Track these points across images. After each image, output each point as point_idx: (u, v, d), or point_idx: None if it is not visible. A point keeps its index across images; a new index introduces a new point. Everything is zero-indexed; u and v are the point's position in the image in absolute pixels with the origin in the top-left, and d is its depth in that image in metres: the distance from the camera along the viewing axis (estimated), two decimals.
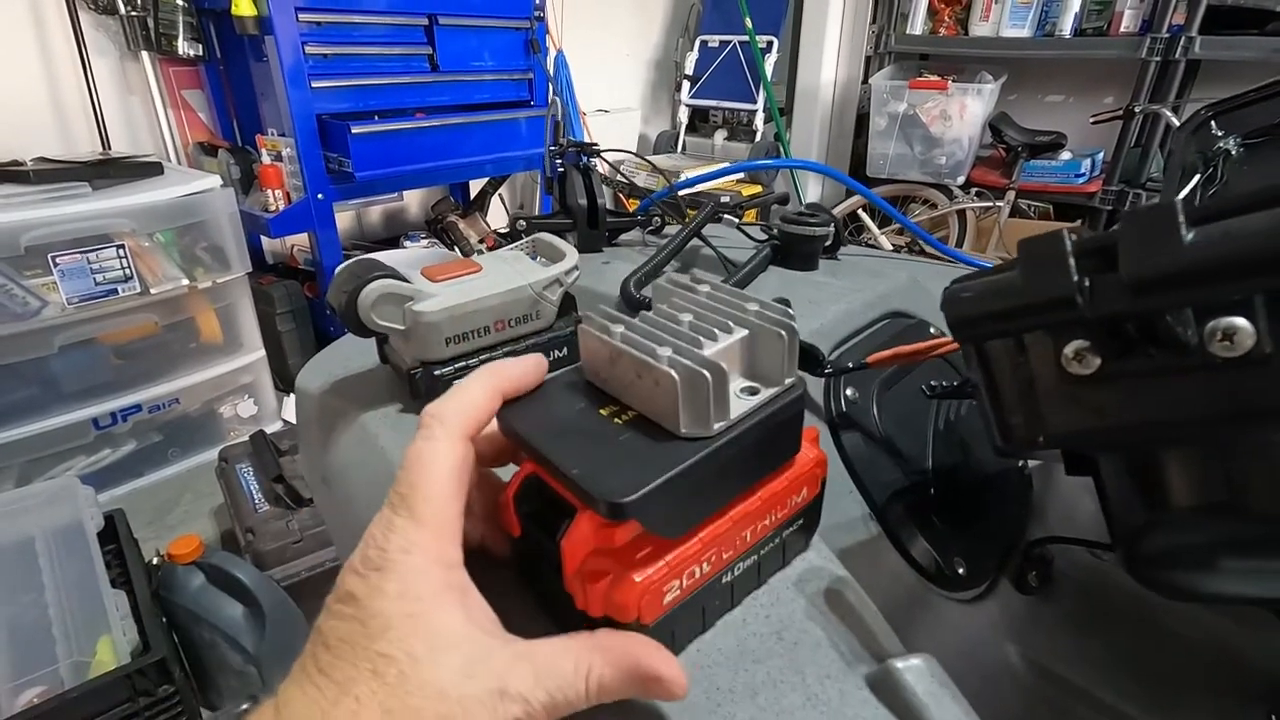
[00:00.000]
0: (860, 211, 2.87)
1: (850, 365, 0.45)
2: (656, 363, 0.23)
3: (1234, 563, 0.26)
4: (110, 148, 1.89)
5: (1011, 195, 2.60)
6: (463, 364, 0.44)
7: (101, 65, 1.87)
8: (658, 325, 0.27)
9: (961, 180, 2.74)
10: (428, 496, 0.23)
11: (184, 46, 1.82)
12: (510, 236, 0.67)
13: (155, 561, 1.13)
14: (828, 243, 0.63)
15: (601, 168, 0.77)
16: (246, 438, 1.54)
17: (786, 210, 0.67)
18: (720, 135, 3.14)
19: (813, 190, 3.19)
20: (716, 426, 0.24)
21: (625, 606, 0.23)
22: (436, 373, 0.44)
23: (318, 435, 0.49)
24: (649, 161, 0.91)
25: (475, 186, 2.62)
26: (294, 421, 1.98)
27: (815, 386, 0.47)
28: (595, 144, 0.71)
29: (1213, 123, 0.79)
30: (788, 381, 0.26)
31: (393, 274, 0.42)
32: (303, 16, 1.71)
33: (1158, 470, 0.26)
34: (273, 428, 1.89)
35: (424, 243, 2.40)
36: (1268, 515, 0.24)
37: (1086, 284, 0.21)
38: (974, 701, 0.26)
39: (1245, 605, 0.41)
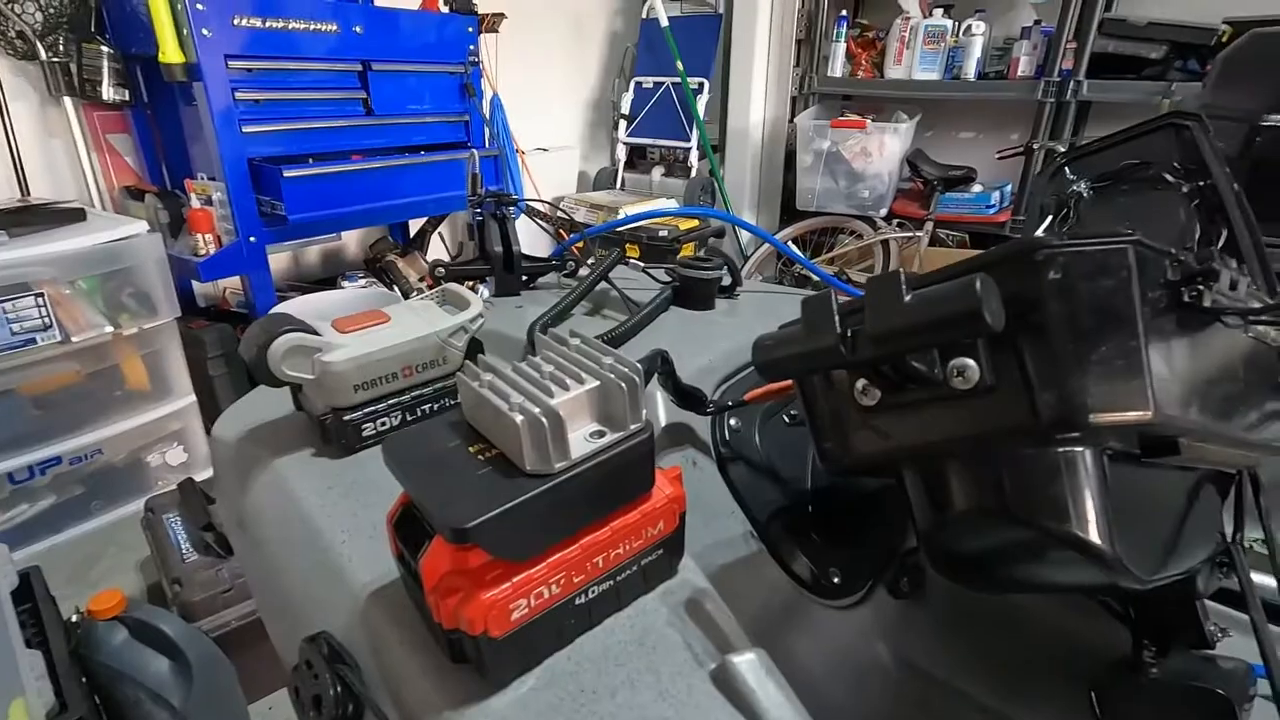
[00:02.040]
0: (791, 244, 3.00)
1: (730, 404, 0.50)
2: (507, 408, 0.27)
3: (1010, 556, 0.32)
4: (30, 194, 1.84)
5: (930, 226, 2.77)
6: (371, 409, 0.47)
7: (20, 109, 1.83)
8: (524, 374, 0.31)
9: (884, 212, 2.90)
10: None
11: (109, 92, 1.81)
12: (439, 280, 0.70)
13: (74, 619, 1.09)
14: (724, 283, 0.69)
15: (542, 207, 0.81)
16: (174, 486, 1.50)
17: (691, 256, 0.73)
18: (658, 171, 3.24)
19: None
20: (558, 465, 0.27)
21: (473, 620, 0.27)
22: (346, 418, 0.47)
23: (234, 481, 0.51)
24: (563, 211, 0.96)
25: (415, 225, 2.64)
26: None
27: (703, 420, 0.52)
28: (510, 193, 0.75)
29: (1066, 169, 0.88)
30: (632, 427, 0.30)
31: (302, 327, 0.45)
32: (233, 64, 1.72)
33: (941, 482, 0.31)
34: (204, 475, 1.84)
35: (362, 282, 2.39)
36: (1024, 518, 0.30)
37: (849, 335, 0.26)
38: (845, 696, 0.30)
39: (1038, 592, 0.47)
